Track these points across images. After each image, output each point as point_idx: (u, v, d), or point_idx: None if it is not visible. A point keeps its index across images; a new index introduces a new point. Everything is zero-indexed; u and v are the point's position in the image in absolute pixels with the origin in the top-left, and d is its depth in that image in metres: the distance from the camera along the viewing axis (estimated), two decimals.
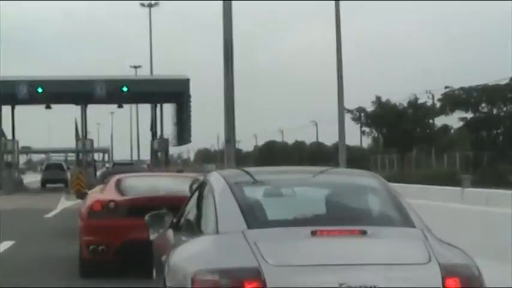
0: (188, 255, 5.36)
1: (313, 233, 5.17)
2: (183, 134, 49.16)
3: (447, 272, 5.00)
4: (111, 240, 10.45)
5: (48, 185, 52.18)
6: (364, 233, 5.24)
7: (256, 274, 4.85)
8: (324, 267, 4.91)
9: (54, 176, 52.82)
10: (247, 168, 6.48)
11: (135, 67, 67.88)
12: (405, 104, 54.77)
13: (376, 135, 57.13)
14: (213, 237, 5.37)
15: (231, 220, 5.36)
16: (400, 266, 5.02)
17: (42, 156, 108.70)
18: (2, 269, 11.44)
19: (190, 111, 47.63)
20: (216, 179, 6.04)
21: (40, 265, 12.01)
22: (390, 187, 6.06)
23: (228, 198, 5.59)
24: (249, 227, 5.28)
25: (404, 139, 53.17)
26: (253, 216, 5.41)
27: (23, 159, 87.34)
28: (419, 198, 15.08)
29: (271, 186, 6.03)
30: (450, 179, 33.06)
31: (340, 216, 5.58)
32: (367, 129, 57.70)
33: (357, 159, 53.20)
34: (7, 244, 14.85)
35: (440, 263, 5.01)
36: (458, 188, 17.01)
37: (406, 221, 5.50)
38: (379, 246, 5.19)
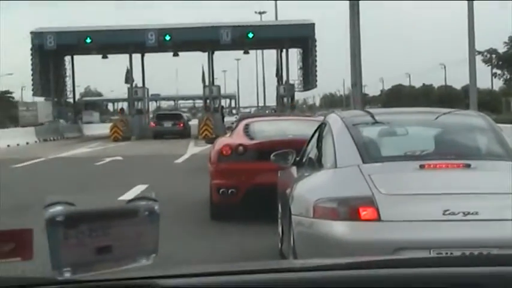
0: (310, 187, 6.10)
1: (421, 167, 5.69)
2: (308, 79, 49.10)
3: None
4: (240, 184, 10.60)
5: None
6: (468, 166, 5.73)
7: (369, 202, 5.38)
8: (430, 196, 5.45)
9: (167, 129, 45.53)
10: (369, 109, 6.90)
11: (260, 13, 68.01)
12: None
13: (508, 77, 55.13)
14: (332, 170, 6.00)
15: (348, 156, 5.98)
16: (500, 194, 5.44)
17: (171, 103, 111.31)
18: None
19: (316, 56, 47.43)
20: (335, 120, 6.68)
21: (173, 208, 12.34)
22: (496, 126, 6.57)
23: (345, 136, 6.21)
24: (364, 161, 5.85)
25: None
26: (368, 152, 6.01)
27: (152, 106, 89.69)
28: None
29: (386, 126, 6.65)
30: None
31: (447, 152, 6.12)
32: (498, 71, 55.80)
33: (487, 102, 51.63)
34: (141, 188, 15.30)
35: None
36: None
37: (508, 155, 5.98)
38: (481, 178, 5.74)
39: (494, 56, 54.60)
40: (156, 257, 1.51)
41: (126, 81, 49.06)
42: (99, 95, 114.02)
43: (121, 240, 1.48)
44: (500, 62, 54.35)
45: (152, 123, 47.44)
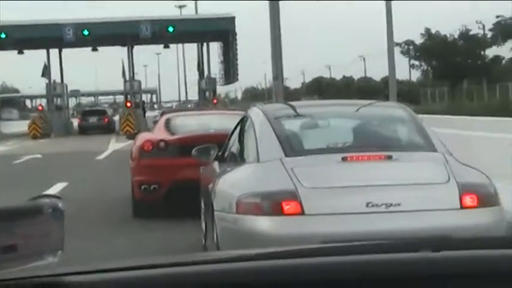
0: (232, 182, 6.05)
1: (344, 159, 5.71)
2: (230, 72, 49.12)
3: (465, 190, 5.50)
4: (162, 179, 10.47)
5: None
6: (389, 157, 5.76)
7: (293, 196, 5.39)
8: (353, 188, 5.49)
9: (92, 124, 48.21)
10: (291, 102, 6.89)
11: (180, 7, 67.70)
12: (456, 36, 53.76)
13: (425, 68, 56.30)
14: (254, 165, 5.97)
15: (270, 150, 5.95)
16: (421, 185, 5.56)
17: (91, 99, 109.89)
18: None
19: (236, 49, 47.46)
20: (256, 114, 6.63)
21: (94, 206, 12.13)
22: (416, 117, 6.65)
23: (267, 130, 6.18)
24: (286, 155, 5.82)
25: (454, 71, 52.36)
26: (290, 145, 5.99)
27: (72, 102, 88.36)
28: (471, 130, 14.82)
29: (308, 119, 6.64)
30: (503, 110, 32.48)
31: (369, 144, 6.16)
32: (416, 63, 56.91)
33: (406, 93, 52.64)
34: (60, 186, 15.02)
35: (459, 182, 5.54)
36: None
37: (429, 146, 6.03)
38: (403, 169, 5.75)
39: (411, 47, 55.64)
40: (63, 254, 1.45)
41: (43, 76, 48.16)
42: (16, 91, 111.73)
43: (26, 239, 1.45)
44: (418, 54, 55.40)
45: (78, 120, 50.68)
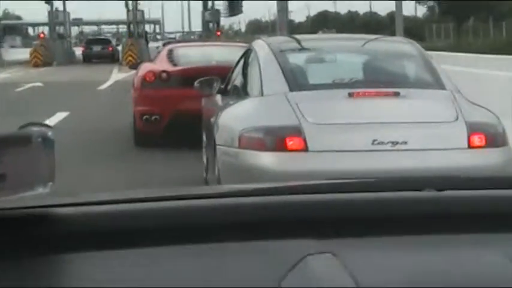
0: (235, 116, 5.90)
1: (350, 95, 5.55)
2: (234, 4, 48.60)
3: (473, 129, 5.39)
4: (164, 110, 10.44)
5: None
6: (397, 94, 5.61)
7: (297, 131, 5.27)
8: (359, 125, 5.35)
9: (97, 53, 49.06)
10: (295, 35, 6.78)
11: None
12: None
13: (432, 3, 55.68)
14: (258, 99, 5.82)
15: (274, 83, 5.79)
16: (429, 123, 5.44)
17: (94, 28, 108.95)
18: (58, 140, 11.48)
19: None
20: (261, 46, 6.44)
21: (96, 135, 12.09)
22: (425, 53, 6.46)
23: (272, 63, 6.00)
24: (291, 89, 5.67)
25: (461, 7, 51.82)
26: (295, 79, 5.83)
27: (74, 31, 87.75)
28: (477, 67, 14.69)
29: (314, 53, 6.47)
30: (509, 48, 32.21)
31: (376, 80, 6.00)
32: None
33: (411, 28, 52.14)
34: (62, 115, 14.95)
35: (467, 121, 5.43)
36: None
37: (437, 83, 5.87)
38: (411, 106, 5.60)
39: None
40: (55, 186, 1.38)
41: (46, 2, 47.68)
42: (18, 18, 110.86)
43: (14, 168, 1.37)
44: None
45: (82, 48, 51.29)
